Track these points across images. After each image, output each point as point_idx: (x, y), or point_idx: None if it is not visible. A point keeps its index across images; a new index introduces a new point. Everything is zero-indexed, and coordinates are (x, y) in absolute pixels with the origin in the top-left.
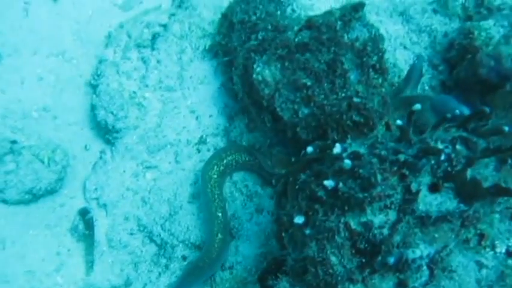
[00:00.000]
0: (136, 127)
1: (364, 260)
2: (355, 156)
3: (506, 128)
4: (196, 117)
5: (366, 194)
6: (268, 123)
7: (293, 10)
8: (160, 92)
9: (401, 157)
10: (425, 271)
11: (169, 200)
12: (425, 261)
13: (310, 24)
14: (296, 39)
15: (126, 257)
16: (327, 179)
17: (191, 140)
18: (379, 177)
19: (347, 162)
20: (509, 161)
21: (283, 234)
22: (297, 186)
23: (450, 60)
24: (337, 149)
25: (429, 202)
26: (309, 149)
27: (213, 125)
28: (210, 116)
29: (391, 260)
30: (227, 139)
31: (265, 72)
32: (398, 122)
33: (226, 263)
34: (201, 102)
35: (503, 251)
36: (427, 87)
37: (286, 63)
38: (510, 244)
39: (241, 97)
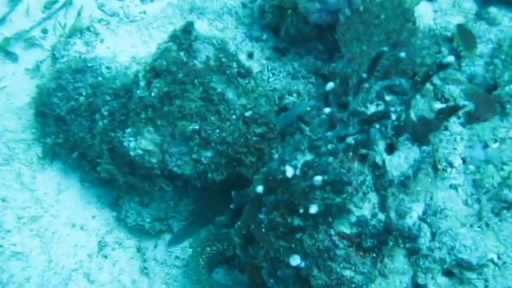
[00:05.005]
0: (29, 277)
1: (375, 255)
2: (308, 167)
3: (403, 54)
4: (81, 227)
5: (343, 195)
6: (169, 187)
7: (108, 68)
8: (28, 228)
9: (351, 140)
10: (424, 226)
11: None
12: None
13: (156, 71)
14: (153, 94)
15: None
16: (296, 207)
17: (91, 253)
18: (343, 171)
19: (317, 179)
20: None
21: (271, 280)
22: (263, 230)
23: (270, 26)
24: (289, 172)
25: (397, 164)
26: (259, 188)
27: (102, 223)
28: (93, 217)
29: (423, 240)
30: (124, 227)
31: (141, 143)
32: (327, 109)
33: None
34: (74, 210)
35: (461, 162)
36: (264, 61)
37: (159, 122)
38: (461, 153)
39: (124, 181)
